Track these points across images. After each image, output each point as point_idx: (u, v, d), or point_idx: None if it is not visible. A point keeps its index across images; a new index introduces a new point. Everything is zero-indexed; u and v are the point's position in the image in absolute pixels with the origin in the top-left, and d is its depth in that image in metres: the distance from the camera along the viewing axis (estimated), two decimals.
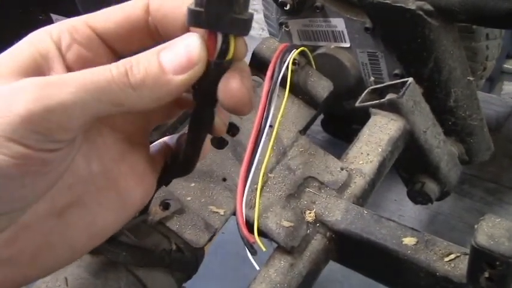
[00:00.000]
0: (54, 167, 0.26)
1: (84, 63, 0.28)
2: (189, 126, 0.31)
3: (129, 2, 0.30)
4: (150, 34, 0.30)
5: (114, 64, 0.26)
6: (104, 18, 0.29)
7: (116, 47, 0.30)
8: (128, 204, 0.32)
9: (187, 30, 0.28)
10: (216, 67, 0.27)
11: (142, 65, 0.26)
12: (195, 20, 0.25)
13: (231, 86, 0.28)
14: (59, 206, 0.29)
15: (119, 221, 0.32)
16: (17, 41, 0.29)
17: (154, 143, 0.36)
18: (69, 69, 0.28)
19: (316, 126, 0.85)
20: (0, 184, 0.24)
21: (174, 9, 0.29)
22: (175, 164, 0.35)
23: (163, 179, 0.35)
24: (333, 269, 0.50)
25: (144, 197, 0.33)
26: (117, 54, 0.30)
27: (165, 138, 0.37)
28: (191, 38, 0.27)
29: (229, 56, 0.27)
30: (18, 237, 0.27)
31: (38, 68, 0.27)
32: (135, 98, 0.26)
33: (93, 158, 0.30)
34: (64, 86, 0.25)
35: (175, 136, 0.36)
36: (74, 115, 0.25)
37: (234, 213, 0.47)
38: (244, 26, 0.25)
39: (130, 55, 0.29)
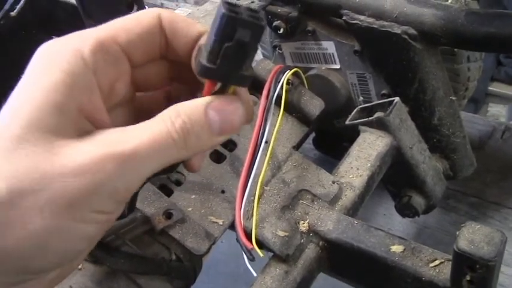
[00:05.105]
0: None
1: (111, 84, 0.29)
2: None
3: (142, 12, 0.31)
4: (159, 45, 0.31)
5: (171, 124, 0.27)
6: (127, 30, 0.29)
7: (133, 58, 0.30)
8: None
9: (193, 46, 0.31)
10: None
11: (196, 129, 0.28)
12: (206, 73, 0.28)
13: None
14: None
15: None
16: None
17: None
18: (102, 93, 0.29)
19: (308, 144, 0.87)
20: (85, 246, 0.28)
21: (184, 26, 0.31)
22: None
23: None
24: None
25: None
26: (133, 66, 0.31)
27: None
28: (239, 106, 0.29)
29: None
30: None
31: (77, 105, 0.26)
32: (184, 155, 0.28)
33: None
34: (139, 159, 0.26)
35: None
36: (143, 180, 0.28)
37: (232, 224, 0.49)
38: (247, 81, 0.29)
39: (142, 65, 0.31)
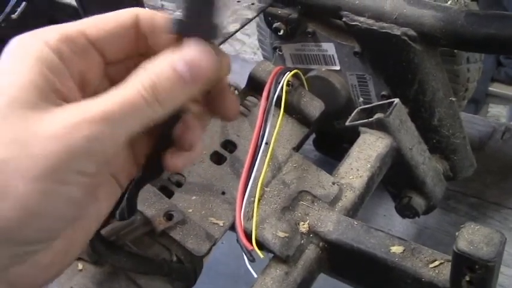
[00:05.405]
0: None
1: (82, 74, 0.31)
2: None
3: (119, 11, 0.32)
4: (136, 43, 0.32)
5: (141, 85, 0.28)
6: (98, 26, 0.31)
7: (106, 54, 0.32)
8: (118, 188, 0.35)
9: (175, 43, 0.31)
10: None
11: (165, 84, 0.28)
12: (174, 27, 0.29)
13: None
14: None
15: (114, 202, 0.35)
16: None
17: None
18: (74, 81, 0.30)
19: (309, 145, 0.88)
20: (72, 211, 0.28)
21: (163, 23, 0.31)
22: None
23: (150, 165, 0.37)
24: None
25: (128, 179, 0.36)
26: (106, 61, 0.32)
27: None
28: (207, 51, 0.29)
29: None
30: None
31: (51, 86, 0.28)
32: (160, 111, 0.29)
33: None
34: (113, 121, 0.27)
35: None
36: (121, 142, 0.28)
37: (233, 225, 0.50)
38: (215, 32, 0.30)
39: (118, 61, 0.32)
